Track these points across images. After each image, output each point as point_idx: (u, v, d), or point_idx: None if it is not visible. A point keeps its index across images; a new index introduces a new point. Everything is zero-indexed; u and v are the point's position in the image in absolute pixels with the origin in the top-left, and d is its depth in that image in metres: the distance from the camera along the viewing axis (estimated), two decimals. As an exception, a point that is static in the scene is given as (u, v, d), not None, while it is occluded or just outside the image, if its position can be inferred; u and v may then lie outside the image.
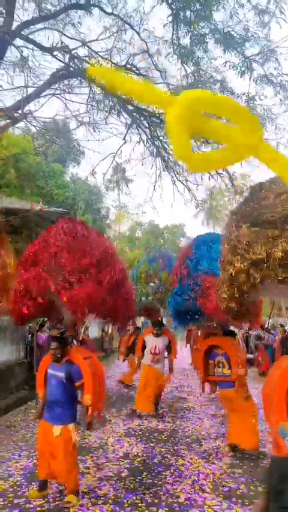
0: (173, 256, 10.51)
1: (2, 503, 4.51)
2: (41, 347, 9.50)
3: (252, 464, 5.87)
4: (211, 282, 6.37)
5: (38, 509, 4.41)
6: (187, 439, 6.97)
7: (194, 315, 7.09)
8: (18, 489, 4.86)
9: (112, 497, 4.70)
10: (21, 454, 6.08)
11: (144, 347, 8.74)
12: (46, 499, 4.62)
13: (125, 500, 4.63)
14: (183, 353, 20.71)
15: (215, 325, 7.03)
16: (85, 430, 5.89)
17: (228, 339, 6.86)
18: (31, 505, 4.47)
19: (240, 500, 4.65)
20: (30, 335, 10.14)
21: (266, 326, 14.84)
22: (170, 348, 8.78)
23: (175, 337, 9.30)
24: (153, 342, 8.56)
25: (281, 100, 10.52)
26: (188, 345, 17.05)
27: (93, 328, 16.51)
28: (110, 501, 4.61)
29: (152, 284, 9.03)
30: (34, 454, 5.99)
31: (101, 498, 4.68)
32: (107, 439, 6.88)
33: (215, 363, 6.70)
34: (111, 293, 5.02)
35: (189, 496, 4.78)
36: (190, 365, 16.28)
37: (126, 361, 12.33)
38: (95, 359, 5.24)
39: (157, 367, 8.52)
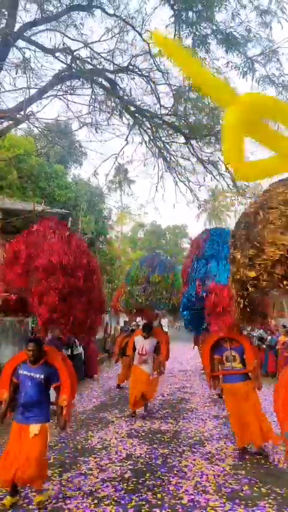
0: (166, 259, 10.61)
1: (1, 507, 4.51)
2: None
3: (255, 465, 5.86)
4: (219, 293, 6.37)
5: (41, 509, 4.41)
6: (190, 440, 6.96)
7: (203, 319, 7.07)
8: (21, 490, 4.86)
9: (115, 499, 4.70)
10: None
11: (135, 348, 8.82)
12: (49, 500, 4.62)
13: (127, 502, 4.63)
14: (189, 355, 20.75)
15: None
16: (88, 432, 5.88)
17: (236, 332, 6.88)
18: (31, 506, 4.47)
19: (243, 502, 4.64)
20: (32, 336, 10.13)
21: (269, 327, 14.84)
22: (158, 348, 8.81)
23: (167, 339, 9.28)
24: (141, 343, 8.65)
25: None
26: (196, 347, 16.88)
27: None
28: (112, 502, 4.60)
29: (138, 286, 9.07)
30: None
31: (104, 499, 4.68)
32: (110, 440, 6.87)
33: (222, 358, 6.69)
34: (65, 300, 4.65)
35: (193, 497, 4.77)
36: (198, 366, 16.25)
37: (120, 362, 12.38)
38: (67, 359, 5.20)
39: (143, 368, 8.60)
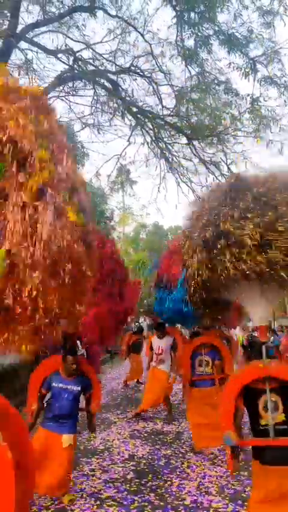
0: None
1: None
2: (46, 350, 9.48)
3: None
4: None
5: (44, 510, 4.41)
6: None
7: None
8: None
9: (118, 500, 4.70)
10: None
11: (152, 348, 8.80)
12: (52, 501, 4.63)
13: (130, 503, 4.63)
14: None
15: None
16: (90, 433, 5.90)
17: (217, 336, 7.04)
18: (36, 507, 4.48)
19: (246, 503, 4.63)
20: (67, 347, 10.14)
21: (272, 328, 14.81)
22: (175, 346, 8.79)
23: (181, 337, 9.26)
24: (157, 343, 8.61)
25: (285, 101, 10.51)
26: None
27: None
28: (115, 503, 4.61)
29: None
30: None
31: (107, 500, 4.68)
32: (112, 441, 6.87)
33: (195, 363, 6.71)
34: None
35: (195, 498, 4.77)
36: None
37: (128, 359, 12.47)
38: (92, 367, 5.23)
39: (161, 367, 8.52)
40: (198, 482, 5.23)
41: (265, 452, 3.46)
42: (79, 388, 4.64)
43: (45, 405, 4.72)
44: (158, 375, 8.46)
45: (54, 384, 4.63)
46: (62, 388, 4.61)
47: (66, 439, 4.49)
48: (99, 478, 5.33)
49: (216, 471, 5.62)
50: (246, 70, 9.97)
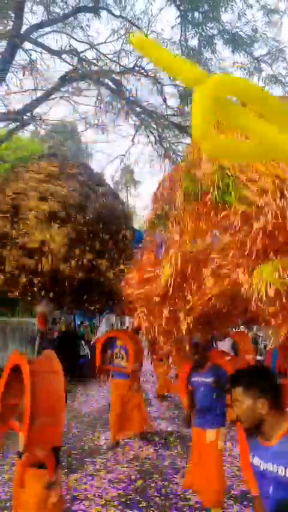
0: None
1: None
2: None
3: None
4: None
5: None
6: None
7: None
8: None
9: (122, 500, 4.69)
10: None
11: None
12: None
13: (135, 503, 4.62)
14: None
15: None
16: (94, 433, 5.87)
17: (129, 332, 7.25)
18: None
19: (251, 504, 4.61)
20: (38, 336, 10.14)
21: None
22: None
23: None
24: None
25: (290, 100, 10.47)
26: None
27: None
28: (120, 504, 4.60)
29: None
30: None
31: (111, 501, 4.67)
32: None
33: (114, 354, 6.90)
34: None
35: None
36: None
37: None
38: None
39: None
40: (203, 483, 5.21)
41: None
42: (211, 379, 4.41)
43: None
44: None
45: (193, 379, 4.58)
46: (197, 382, 4.54)
47: (210, 435, 4.36)
48: (104, 478, 5.32)
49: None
50: (251, 69, 9.94)
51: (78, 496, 4.78)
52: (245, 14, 9.83)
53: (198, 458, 4.42)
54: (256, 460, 2.14)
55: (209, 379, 4.40)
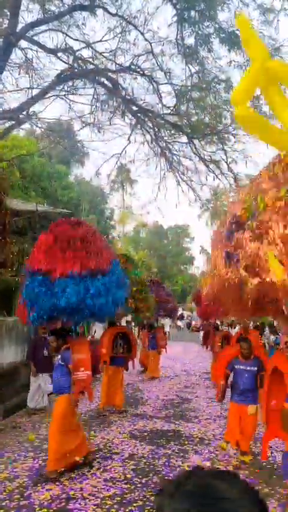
0: None
1: (9, 503, 4.50)
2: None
3: (258, 466, 5.84)
4: None
5: (45, 510, 4.40)
6: (193, 441, 6.94)
7: None
8: (24, 490, 4.85)
9: (118, 499, 4.68)
10: (27, 455, 6.06)
11: None
12: (52, 500, 4.61)
13: (130, 502, 4.61)
14: (191, 355, 20.76)
15: None
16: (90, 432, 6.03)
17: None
18: (37, 506, 4.46)
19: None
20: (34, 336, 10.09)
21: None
22: None
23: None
24: None
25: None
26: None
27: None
28: (115, 503, 4.59)
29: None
30: (40, 455, 6.00)
31: (107, 499, 4.66)
32: (112, 440, 6.86)
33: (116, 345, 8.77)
34: None
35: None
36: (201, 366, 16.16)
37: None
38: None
39: None
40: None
41: None
42: (255, 368, 5.96)
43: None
44: None
45: (236, 366, 6.11)
46: (242, 369, 6.04)
47: (250, 409, 5.91)
48: (99, 477, 5.32)
49: (216, 470, 5.60)
50: (247, 68, 9.93)
51: (73, 495, 4.77)
52: (242, 12, 9.82)
53: (237, 425, 6.01)
54: None
55: (254, 368, 5.96)
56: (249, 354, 6.05)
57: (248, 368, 6.01)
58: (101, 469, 5.60)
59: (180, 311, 37.56)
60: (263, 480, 5.28)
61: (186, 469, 5.56)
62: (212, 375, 12.56)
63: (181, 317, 39.40)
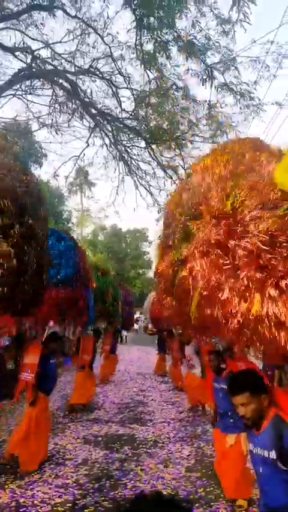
0: None
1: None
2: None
3: (210, 468, 5.92)
4: None
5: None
6: (147, 444, 6.97)
7: None
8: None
9: (69, 505, 4.63)
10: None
11: None
12: (1, 508, 4.49)
13: (83, 508, 4.57)
14: (146, 358, 20.85)
15: None
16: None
17: None
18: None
19: (197, 504, 4.69)
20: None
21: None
22: None
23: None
24: None
25: (241, 108, 10.79)
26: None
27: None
28: (67, 508, 4.54)
29: None
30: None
31: (59, 506, 4.60)
32: (66, 446, 6.77)
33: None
34: None
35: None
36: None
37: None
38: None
39: None
40: (151, 485, 5.24)
41: None
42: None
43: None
44: None
45: (215, 385, 5.07)
46: (217, 388, 4.98)
47: (229, 439, 4.76)
48: (51, 484, 5.23)
49: (169, 473, 5.65)
50: (204, 77, 10.14)
51: (24, 502, 4.67)
52: (199, 22, 10.01)
53: (221, 458, 4.94)
54: (251, 446, 2.66)
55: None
56: (218, 368, 5.06)
57: (221, 386, 4.83)
58: (53, 476, 5.52)
59: (137, 314, 37.67)
60: (214, 482, 5.35)
61: (140, 473, 5.58)
62: (173, 378, 12.82)
63: (136, 320, 39.57)
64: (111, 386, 12.67)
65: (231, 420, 4.70)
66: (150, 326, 37.75)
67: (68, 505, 4.64)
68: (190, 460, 6.19)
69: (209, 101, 11.20)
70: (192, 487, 5.17)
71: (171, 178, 13.04)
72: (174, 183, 12.64)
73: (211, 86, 10.29)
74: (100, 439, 7.24)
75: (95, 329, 11.00)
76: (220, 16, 10.07)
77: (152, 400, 10.71)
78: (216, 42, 9.90)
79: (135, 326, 40.11)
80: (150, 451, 6.62)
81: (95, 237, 50.07)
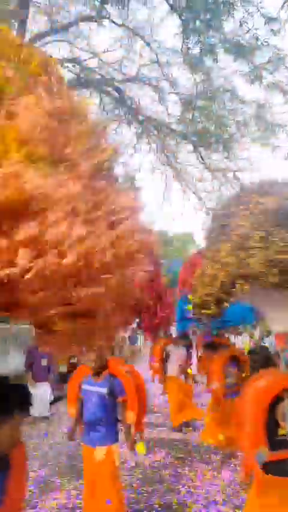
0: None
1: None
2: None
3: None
4: None
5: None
6: (200, 449, 6.89)
7: None
8: (30, 500, 4.84)
9: (125, 508, 4.65)
10: (33, 463, 6.04)
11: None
12: (58, 509, 4.59)
13: (137, 511, 4.58)
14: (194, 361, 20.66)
15: None
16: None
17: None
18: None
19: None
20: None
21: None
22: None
23: None
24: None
25: (291, 107, 10.55)
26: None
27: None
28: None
29: None
30: (48, 463, 5.99)
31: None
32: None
33: None
34: None
35: (202, 507, 4.72)
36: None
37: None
38: (135, 371, 4.61)
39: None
40: (205, 491, 5.18)
41: (280, 463, 3.28)
42: (105, 390, 4.03)
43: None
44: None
45: (83, 387, 4.17)
46: (89, 391, 4.11)
47: (98, 452, 3.95)
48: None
49: (223, 480, 5.56)
50: (252, 77, 10.00)
51: (79, 504, 4.75)
52: (246, 22, 9.89)
53: (90, 479, 4.03)
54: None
55: (103, 390, 4.04)
56: (100, 368, 4.13)
57: (97, 389, 4.07)
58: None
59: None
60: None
61: (193, 479, 5.53)
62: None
63: None
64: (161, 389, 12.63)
65: (100, 430, 4.03)
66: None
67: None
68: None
69: (258, 101, 11.03)
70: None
71: (219, 181, 12.93)
72: (223, 185, 12.52)
73: (260, 86, 10.13)
74: (152, 443, 7.23)
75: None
76: (267, 15, 9.91)
77: (204, 405, 10.58)
78: (265, 41, 9.73)
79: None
80: (203, 456, 6.54)
81: (142, 242, 50.42)
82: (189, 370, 8.90)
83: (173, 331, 10.06)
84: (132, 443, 4.26)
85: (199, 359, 10.01)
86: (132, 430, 4.18)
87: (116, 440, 4.09)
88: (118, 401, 4.10)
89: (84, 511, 4.08)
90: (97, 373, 4.11)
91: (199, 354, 13.72)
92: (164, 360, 8.65)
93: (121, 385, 4.09)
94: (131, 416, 4.07)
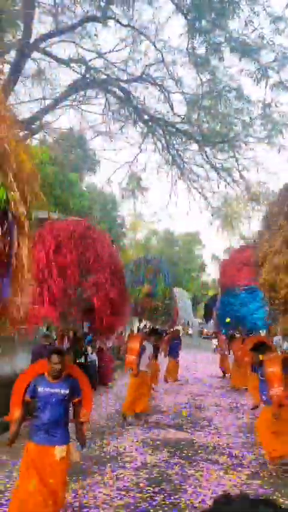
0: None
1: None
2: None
3: (273, 476, 5.78)
4: None
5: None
6: (206, 449, 6.90)
7: None
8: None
9: (131, 508, 4.67)
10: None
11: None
12: (65, 509, 4.61)
13: (143, 511, 4.60)
14: (201, 363, 20.65)
15: None
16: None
17: None
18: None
19: None
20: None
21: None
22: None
23: None
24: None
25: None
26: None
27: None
28: (130, 511, 4.58)
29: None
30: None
31: (120, 508, 4.66)
32: (125, 449, 6.84)
33: None
34: None
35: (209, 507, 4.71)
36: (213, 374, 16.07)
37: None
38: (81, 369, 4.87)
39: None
40: (211, 491, 5.18)
41: None
42: (66, 391, 4.11)
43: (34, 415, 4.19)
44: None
45: (40, 389, 4.11)
46: (48, 393, 4.09)
47: (59, 450, 4.02)
48: (112, 486, 5.31)
49: (230, 480, 5.56)
50: (258, 76, 9.97)
51: (86, 503, 4.77)
52: (252, 21, 9.87)
53: (39, 479, 3.92)
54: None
55: (64, 391, 4.11)
56: (62, 371, 4.14)
57: (57, 390, 4.09)
58: (114, 478, 5.59)
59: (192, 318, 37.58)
60: (277, 490, 5.22)
61: (200, 479, 5.54)
62: (233, 379, 13.26)
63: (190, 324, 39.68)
64: (168, 390, 12.66)
65: (61, 430, 4.12)
66: (205, 330, 37.61)
67: (129, 507, 4.69)
68: (251, 468, 6.06)
69: (264, 101, 11.00)
70: (254, 495, 5.05)
71: (225, 180, 12.90)
72: (228, 185, 12.50)
73: (266, 85, 10.11)
74: (159, 443, 7.25)
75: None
76: (273, 14, 9.89)
77: (210, 405, 10.60)
78: (271, 40, 9.71)
79: (190, 330, 39.91)
80: (209, 456, 6.55)
81: (147, 241, 50.42)
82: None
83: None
84: (85, 440, 4.48)
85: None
86: (85, 427, 4.44)
87: (69, 438, 4.22)
88: (74, 401, 4.25)
89: (36, 505, 3.88)
90: (58, 375, 4.13)
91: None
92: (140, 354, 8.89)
93: (78, 384, 4.29)
94: (86, 415, 4.36)
